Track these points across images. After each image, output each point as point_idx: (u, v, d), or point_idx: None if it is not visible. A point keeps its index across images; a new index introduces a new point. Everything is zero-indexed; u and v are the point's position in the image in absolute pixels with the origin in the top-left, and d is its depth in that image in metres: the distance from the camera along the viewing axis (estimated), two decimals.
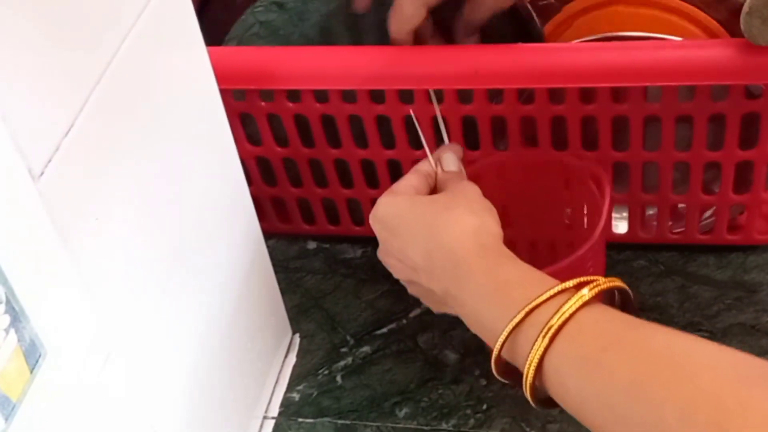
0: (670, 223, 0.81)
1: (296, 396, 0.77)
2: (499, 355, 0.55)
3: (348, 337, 0.81)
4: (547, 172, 0.73)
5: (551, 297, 0.53)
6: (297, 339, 0.81)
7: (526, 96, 0.74)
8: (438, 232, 0.60)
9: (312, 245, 0.89)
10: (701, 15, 0.76)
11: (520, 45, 0.73)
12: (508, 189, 0.73)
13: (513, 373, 0.56)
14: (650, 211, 0.81)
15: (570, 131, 0.75)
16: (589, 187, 0.71)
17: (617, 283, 0.54)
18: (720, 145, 0.74)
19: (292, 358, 0.80)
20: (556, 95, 0.73)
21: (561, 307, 0.52)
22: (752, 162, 0.74)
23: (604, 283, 0.53)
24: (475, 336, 0.80)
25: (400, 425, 0.74)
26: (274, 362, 0.78)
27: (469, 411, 0.74)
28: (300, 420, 0.75)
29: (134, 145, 0.54)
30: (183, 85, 0.61)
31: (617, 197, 0.79)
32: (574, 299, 0.52)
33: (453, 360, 0.78)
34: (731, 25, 0.75)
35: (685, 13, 0.76)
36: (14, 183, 0.43)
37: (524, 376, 0.53)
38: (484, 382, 0.76)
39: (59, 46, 0.46)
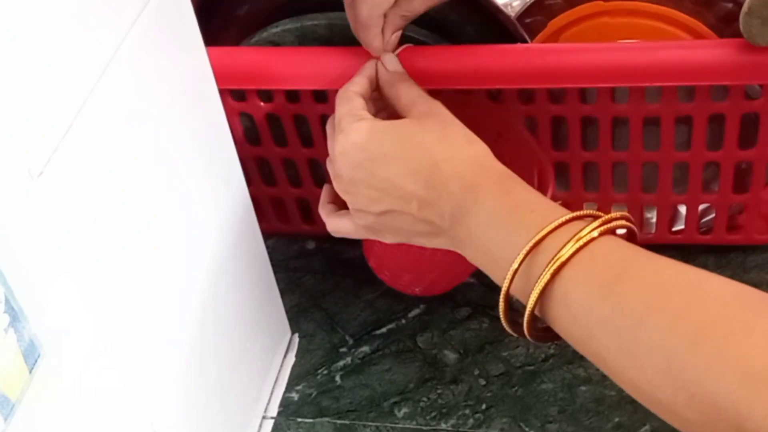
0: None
1: (295, 396, 0.77)
2: (510, 285, 0.54)
3: (347, 337, 0.81)
4: (478, 122, 0.67)
5: (566, 222, 0.53)
6: (296, 339, 0.81)
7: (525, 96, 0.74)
8: (443, 159, 0.59)
9: (311, 245, 0.89)
10: (690, 21, 0.76)
11: (520, 45, 0.73)
12: None
13: (517, 323, 0.55)
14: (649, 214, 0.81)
15: (570, 131, 0.75)
16: (526, 142, 0.70)
17: (629, 220, 0.54)
18: (719, 145, 0.74)
19: (292, 358, 0.80)
20: (555, 95, 0.73)
21: (577, 233, 0.52)
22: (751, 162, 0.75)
23: (618, 217, 0.53)
24: (474, 336, 0.80)
25: (399, 425, 0.74)
26: (273, 362, 0.78)
27: (468, 411, 0.74)
28: (299, 420, 0.75)
29: (133, 146, 0.54)
30: (182, 85, 0.61)
31: (617, 197, 0.79)
32: (590, 227, 0.52)
33: (452, 360, 0.78)
34: (719, 32, 0.75)
35: (674, 19, 0.76)
36: (13, 183, 0.43)
37: (529, 299, 0.52)
38: (483, 382, 0.76)
39: (58, 46, 0.46)
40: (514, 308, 0.56)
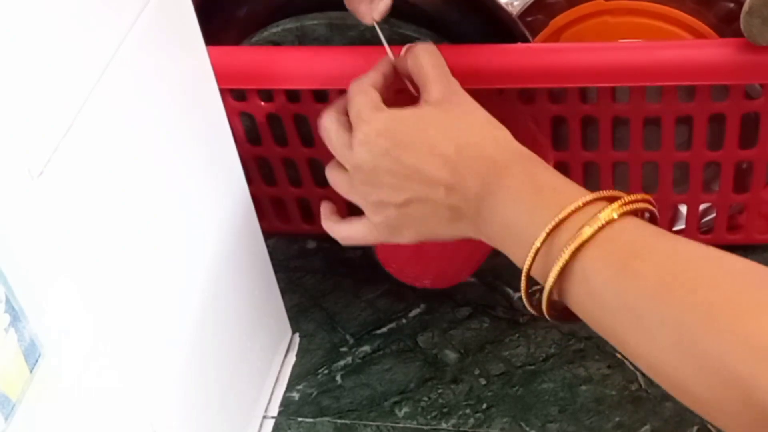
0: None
1: (296, 395, 0.77)
2: (531, 264, 0.54)
3: (348, 337, 0.81)
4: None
5: (588, 203, 0.54)
6: (297, 338, 0.81)
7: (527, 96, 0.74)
8: (467, 143, 0.59)
9: (312, 245, 0.89)
10: (691, 20, 0.75)
11: (521, 45, 0.73)
12: None
13: (538, 305, 0.56)
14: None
15: (570, 131, 0.75)
16: (531, 134, 0.70)
17: (650, 202, 0.55)
18: (719, 144, 0.74)
19: (292, 358, 0.80)
20: (556, 95, 0.73)
21: (597, 213, 0.52)
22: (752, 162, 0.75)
23: (640, 199, 0.54)
24: (475, 335, 0.80)
25: (400, 425, 0.74)
26: (273, 362, 0.78)
27: (468, 410, 0.74)
28: (300, 419, 0.75)
29: (133, 146, 0.54)
30: (183, 85, 0.61)
31: None
32: (611, 208, 0.52)
33: (453, 359, 0.78)
34: (720, 31, 0.75)
35: (675, 18, 0.76)
36: (13, 183, 0.43)
37: (548, 278, 0.53)
38: (483, 381, 0.76)
39: (58, 46, 0.46)
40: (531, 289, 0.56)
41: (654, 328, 0.49)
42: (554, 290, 0.54)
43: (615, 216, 0.52)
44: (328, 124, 0.65)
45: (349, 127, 0.64)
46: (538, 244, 0.54)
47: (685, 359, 0.47)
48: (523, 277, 0.55)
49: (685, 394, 0.49)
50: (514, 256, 0.57)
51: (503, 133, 0.60)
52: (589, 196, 0.54)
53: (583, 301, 0.53)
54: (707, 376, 0.46)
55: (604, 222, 0.52)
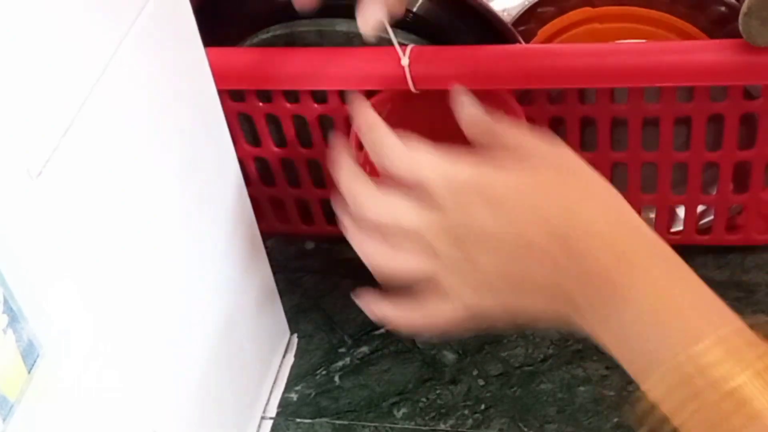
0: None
1: (294, 396, 0.77)
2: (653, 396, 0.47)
3: (346, 338, 0.81)
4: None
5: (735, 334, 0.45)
6: (295, 339, 0.81)
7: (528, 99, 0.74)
8: (583, 214, 0.48)
9: (310, 245, 0.89)
10: (681, 23, 0.75)
11: (520, 46, 0.73)
12: (420, 123, 0.60)
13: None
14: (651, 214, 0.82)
15: (569, 132, 0.75)
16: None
17: None
18: (718, 145, 0.74)
19: (290, 359, 0.80)
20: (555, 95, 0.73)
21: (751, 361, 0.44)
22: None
23: None
24: (473, 336, 0.80)
25: (398, 425, 0.74)
26: (272, 362, 0.78)
27: (467, 411, 0.74)
28: (298, 420, 0.75)
29: (133, 146, 0.54)
30: (181, 86, 0.61)
31: None
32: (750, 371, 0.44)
33: (451, 360, 0.78)
34: (712, 34, 0.75)
35: (665, 22, 0.75)
36: (13, 182, 0.43)
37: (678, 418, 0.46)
38: (482, 382, 0.76)
39: (58, 46, 0.46)
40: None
41: None
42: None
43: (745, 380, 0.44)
44: (391, 198, 0.52)
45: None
46: (670, 380, 0.47)
47: None
48: (643, 406, 0.49)
49: None
50: (634, 376, 0.50)
51: (620, 202, 0.50)
52: (735, 326, 0.45)
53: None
54: None
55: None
